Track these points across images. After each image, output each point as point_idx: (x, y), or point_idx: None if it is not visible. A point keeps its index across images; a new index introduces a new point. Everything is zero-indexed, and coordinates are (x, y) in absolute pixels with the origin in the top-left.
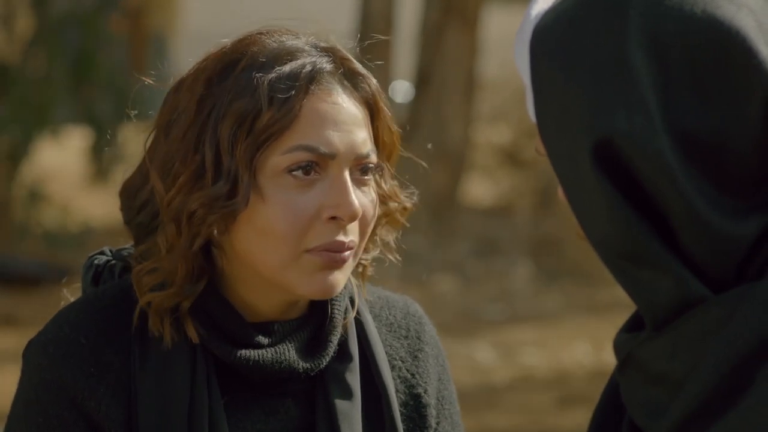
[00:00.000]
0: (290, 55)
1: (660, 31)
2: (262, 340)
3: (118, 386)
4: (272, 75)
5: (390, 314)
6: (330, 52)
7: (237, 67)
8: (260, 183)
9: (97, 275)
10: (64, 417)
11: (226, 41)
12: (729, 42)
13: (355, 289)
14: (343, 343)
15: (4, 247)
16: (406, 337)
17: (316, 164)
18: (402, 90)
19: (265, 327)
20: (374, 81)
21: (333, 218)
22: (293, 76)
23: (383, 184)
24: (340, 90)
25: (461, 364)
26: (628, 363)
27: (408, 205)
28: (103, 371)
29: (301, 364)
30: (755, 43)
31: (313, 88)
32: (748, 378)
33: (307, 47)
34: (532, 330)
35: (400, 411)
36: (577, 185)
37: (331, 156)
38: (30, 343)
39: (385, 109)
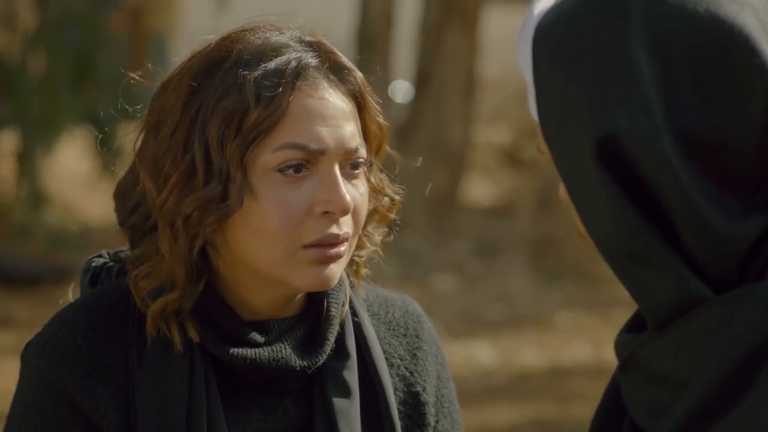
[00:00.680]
0: (275, 51)
1: (662, 30)
2: (259, 338)
3: (117, 386)
4: (258, 72)
5: (389, 313)
6: (315, 46)
7: (222, 66)
8: (251, 181)
9: (94, 277)
10: (62, 418)
11: (211, 39)
12: (731, 41)
13: (347, 283)
14: (340, 341)
15: (4, 248)
16: (404, 336)
17: (306, 161)
18: (402, 90)
19: (262, 325)
20: (360, 74)
21: (325, 213)
22: (279, 72)
23: (373, 176)
24: (326, 84)
25: (461, 364)
26: (629, 363)
27: (396, 198)
28: (101, 372)
29: (298, 362)
30: (758, 42)
31: (299, 83)
32: (750, 378)
33: (291, 42)
34: (532, 330)
35: (399, 409)
36: (579, 184)
37: (321, 152)
38: (28, 345)
39: (372, 101)
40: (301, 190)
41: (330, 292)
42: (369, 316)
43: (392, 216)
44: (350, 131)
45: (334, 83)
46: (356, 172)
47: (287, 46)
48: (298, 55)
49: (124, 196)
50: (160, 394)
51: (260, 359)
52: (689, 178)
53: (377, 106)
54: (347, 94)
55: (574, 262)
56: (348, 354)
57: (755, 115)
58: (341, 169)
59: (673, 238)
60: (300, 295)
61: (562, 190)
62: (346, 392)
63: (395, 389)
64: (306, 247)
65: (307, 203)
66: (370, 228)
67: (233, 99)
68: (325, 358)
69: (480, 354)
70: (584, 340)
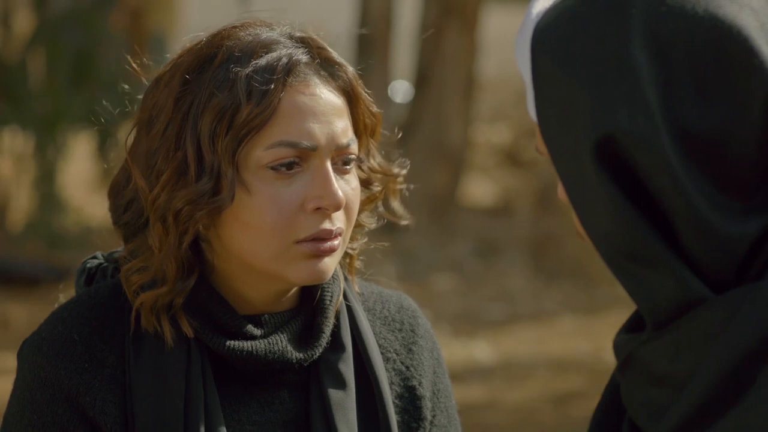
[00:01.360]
0: (266, 47)
1: (662, 30)
2: (255, 331)
3: (113, 381)
4: (249, 69)
5: (384, 308)
6: (305, 42)
7: (213, 62)
8: (244, 177)
9: (90, 278)
10: (59, 414)
11: (201, 36)
12: (731, 42)
13: (341, 276)
14: (336, 334)
15: (3, 248)
16: (400, 330)
17: (298, 158)
18: (401, 90)
19: (257, 319)
20: (351, 68)
21: (318, 209)
22: (270, 69)
23: (364, 165)
24: (317, 81)
25: (461, 363)
26: (628, 363)
27: (396, 171)
28: (98, 367)
29: (294, 355)
30: (757, 43)
31: (290, 80)
32: (749, 378)
33: (282, 39)
34: (532, 329)
35: (395, 403)
36: (578, 184)
37: (313, 149)
38: (24, 343)
39: (364, 93)
40: (294, 186)
41: (324, 285)
42: (364, 311)
43: (394, 193)
44: (341, 127)
45: (325, 79)
46: (347, 167)
47: (278, 42)
48: (289, 51)
49: (117, 193)
50: (156, 386)
51: (257, 351)
52: (688, 178)
53: (369, 97)
54: (338, 90)
55: (573, 261)
56: (344, 346)
57: (754, 115)
58: (333, 164)
59: (672, 239)
60: (295, 289)
61: (560, 191)
62: (341, 384)
63: (391, 383)
64: (299, 242)
65: (299, 199)
66: (363, 216)
67: (224, 95)
68: (321, 350)
69: (479, 353)
70: (584, 339)
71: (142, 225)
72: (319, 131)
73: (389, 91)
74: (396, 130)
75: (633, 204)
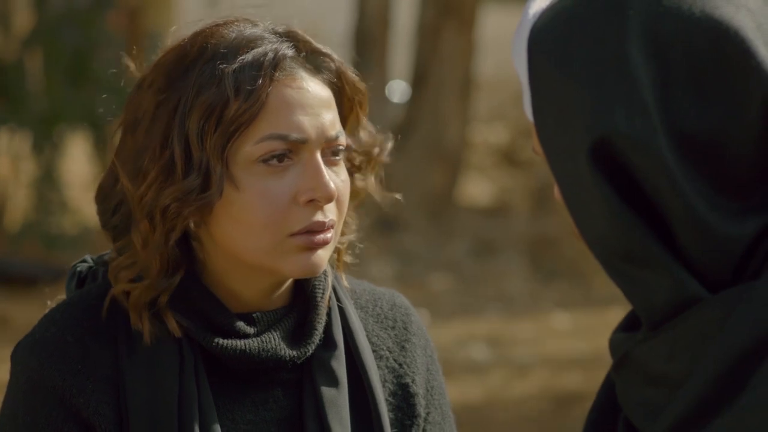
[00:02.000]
0: (251, 43)
1: (659, 31)
2: (247, 329)
3: (107, 382)
4: (236, 65)
5: (376, 306)
6: (289, 36)
7: (198, 61)
8: (234, 173)
9: (81, 281)
10: (53, 416)
11: (183, 36)
12: (728, 42)
13: (329, 272)
14: (328, 331)
15: (1, 248)
16: (393, 328)
17: (288, 150)
18: (399, 90)
19: (250, 317)
20: (337, 57)
21: (310, 201)
22: (257, 64)
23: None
24: (303, 74)
25: (458, 363)
26: (623, 362)
27: (384, 144)
28: (91, 368)
29: (288, 352)
30: (754, 44)
31: (277, 75)
32: (745, 378)
33: (266, 34)
34: (529, 328)
35: (389, 401)
36: (573, 185)
37: (303, 141)
38: (18, 345)
39: (351, 75)
40: (285, 179)
41: (315, 282)
42: (357, 309)
43: (375, 166)
44: (330, 119)
45: (312, 72)
46: (337, 158)
47: (262, 38)
48: (275, 46)
49: (105, 197)
50: (150, 386)
51: (250, 349)
52: (686, 179)
53: (356, 77)
54: (325, 82)
55: (570, 261)
56: (335, 344)
57: (752, 116)
58: (323, 156)
59: (668, 239)
60: (286, 286)
61: (557, 191)
62: (334, 382)
63: (385, 381)
64: (293, 235)
65: (291, 192)
66: (350, 211)
67: (212, 92)
68: (314, 347)
69: (476, 353)
70: (581, 339)
71: (131, 226)
72: (308, 124)
73: (386, 91)
74: (394, 131)
75: (629, 205)
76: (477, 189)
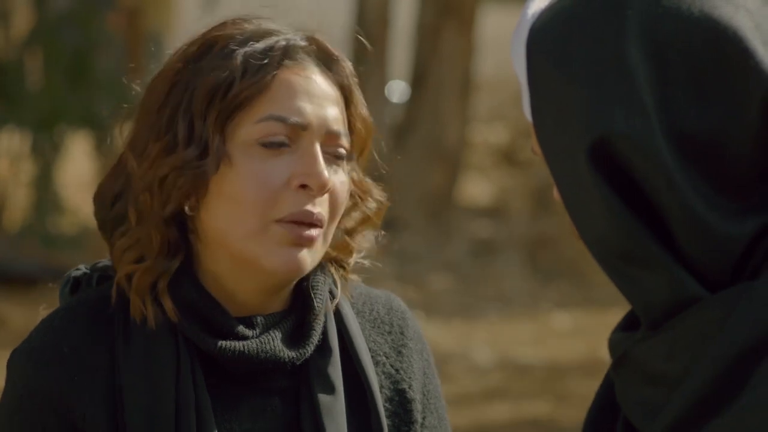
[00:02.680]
0: (267, 33)
1: (658, 31)
2: (246, 331)
3: (104, 390)
4: (247, 48)
5: (373, 310)
6: (307, 34)
7: (215, 46)
8: (231, 151)
9: (75, 287)
10: (48, 424)
11: (202, 30)
12: (726, 42)
13: (336, 278)
14: (324, 336)
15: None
16: (389, 333)
17: (288, 137)
18: (398, 90)
19: (249, 320)
20: (350, 66)
21: (302, 187)
22: (268, 49)
23: (358, 178)
24: (314, 67)
25: (458, 363)
26: (622, 362)
27: (383, 201)
28: (88, 376)
29: (287, 353)
30: (753, 44)
31: (287, 62)
32: (744, 377)
33: (284, 29)
34: (528, 329)
35: (385, 406)
36: (572, 185)
37: (302, 126)
38: (14, 352)
39: (360, 96)
40: (280, 162)
41: (314, 284)
42: (353, 313)
43: (378, 221)
44: (334, 114)
45: (323, 69)
46: (338, 159)
47: (279, 31)
48: (288, 36)
49: (104, 191)
50: (147, 392)
51: (248, 351)
52: (684, 179)
53: (364, 103)
54: (334, 82)
55: (570, 261)
56: (331, 350)
57: (750, 116)
58: (323, 151)
59: (668, 239)
60: (286, 291)
61: (556, 191)
62: (330, 389)
63: (381, 386)
64: (279, 222)
65: (285, 175)
66: (358, 237)
67: (220, 72)
68: (312, 349)
69: (476, 353)
70: (580, 339)
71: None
72: (310, 111)
73: (386, 91)
74: (394, 131)
75: (628, 205)
76: (477, 189)
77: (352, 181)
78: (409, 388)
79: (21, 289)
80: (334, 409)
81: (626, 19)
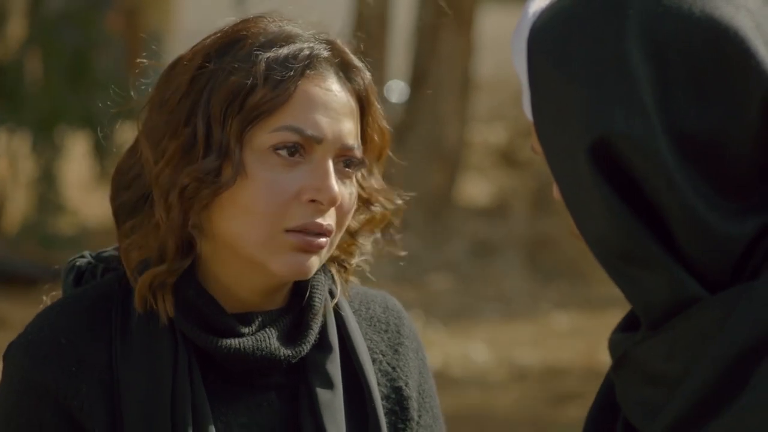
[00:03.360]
0: (290, 38)
1: (659, 31)
2: (243, 329)
3: (101, 385)
4: (270, 54)
5: (369, 309)
6: (329, 43)
7: (236, 46)
8: (246, 159)
9: (78, 277)
10: (46, 418)
11: (226, 24)
12: (727, 42)
13: (337, 278)
14: (323, 334)
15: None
16: (386, 332)
17: (301, 147)
18: (397, 90)
19: (245, 317)
20: (369, 76)
21: (312, 201)
22: (291, 57)
23: (367, 183)
24: (334, 78)
25: (457, 363)
26: (623, 362)
27: (394, 205)
28: (85, 370)
29: (283, 351)
30: (753, 44)
31: (308, 72)
32: (744, 377)
33: (306, 34)
34: (528, 329)
35: (382, 404)
36: (573, 184)
37: (317, 140)
38: (11, 345)
39: (377, 105)
40: (293, 174)
41: (314, 283)
42: (352, 312)
43: (388, 223)
44: (349, 128)
45: (342, 79)
46: (348, 170)
47: (302, 36)
48: (312, 45)
49: (124, 173)
50: (145, 387)
51: (244, 348)
52: (685, 179)
53: (381, 112)
54: (353, 93)
55: (569, 261)
56: (331, 347)
57: (751, 116)
58: (335, 164)
59: (668, 239)
60: (285, 289)
61: (556, 191)
62: (329, 384)
63: (378, 384)
64: (288, 231)
65: (296, 188)
66: (362, 239)
67: (242, 75)
68: (309, 347)
69: (475, 353)
70: (579, 339)
71: (140, 203)
72: (327, 125)
73: (385, 91)
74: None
75: (628, 205)
76: (476, 189)
77: (360, 185)
78: (406, 385)
79: (21, 289)
80: (333, 405)
81: (626, 19)
